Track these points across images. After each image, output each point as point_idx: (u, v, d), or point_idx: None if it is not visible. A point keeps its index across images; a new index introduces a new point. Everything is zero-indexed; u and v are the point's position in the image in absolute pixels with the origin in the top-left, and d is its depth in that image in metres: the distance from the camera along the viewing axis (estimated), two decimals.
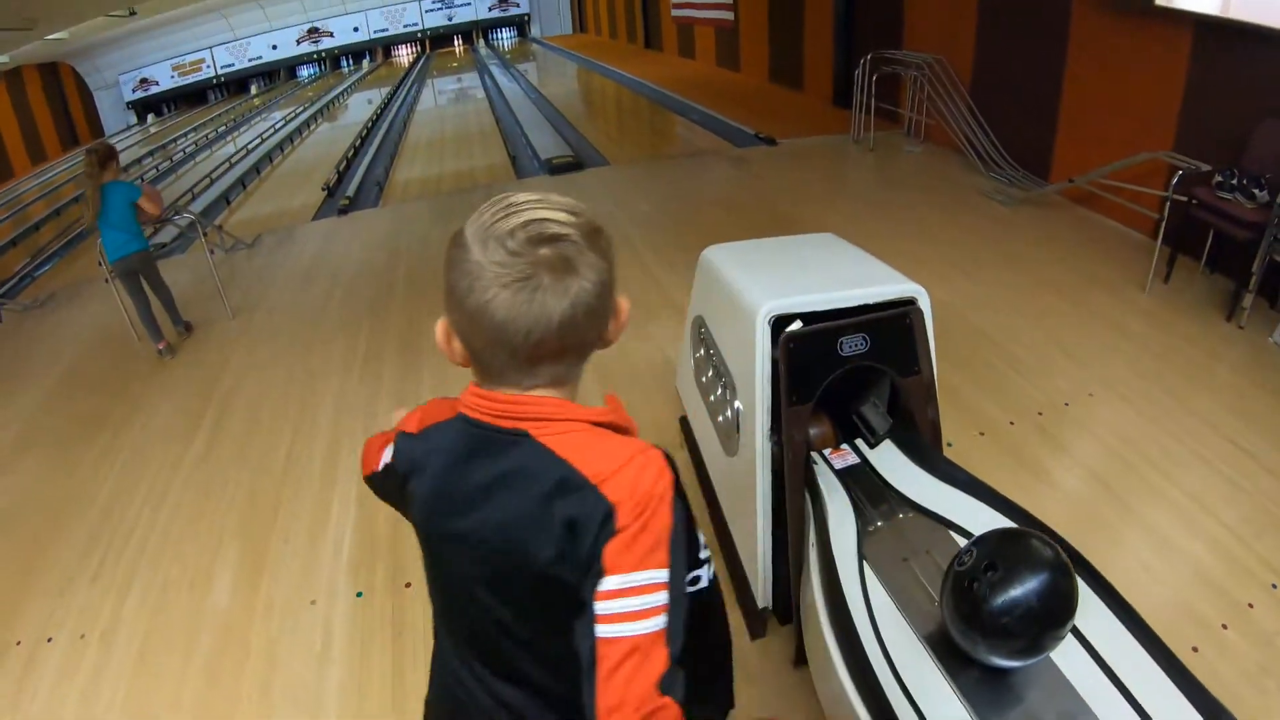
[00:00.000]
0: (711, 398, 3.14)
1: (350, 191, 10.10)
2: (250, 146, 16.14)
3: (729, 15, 15.18)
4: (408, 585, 3.41)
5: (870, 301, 2.53)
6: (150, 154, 19.54)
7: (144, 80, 30.18)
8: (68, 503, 4.47)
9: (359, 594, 3.41)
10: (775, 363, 2.46)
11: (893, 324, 2.50)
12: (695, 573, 1.19)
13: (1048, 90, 6.81)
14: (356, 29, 31.63)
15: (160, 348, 6.02)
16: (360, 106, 20.65)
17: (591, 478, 1.08)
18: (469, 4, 31.79)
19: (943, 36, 8.30)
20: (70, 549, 4.06)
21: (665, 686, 1.03)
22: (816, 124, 10.13)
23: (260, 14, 29.96)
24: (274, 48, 31.14)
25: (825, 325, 2.42)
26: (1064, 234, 6.06)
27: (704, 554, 1.24)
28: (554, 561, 1.08)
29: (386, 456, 1.37)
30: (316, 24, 31.21)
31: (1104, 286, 5.19)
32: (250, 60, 31.13)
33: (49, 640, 3.45)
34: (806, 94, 12.15)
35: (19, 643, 3.47)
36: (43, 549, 4.11)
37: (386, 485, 1.40)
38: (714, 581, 1.29)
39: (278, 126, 18.40)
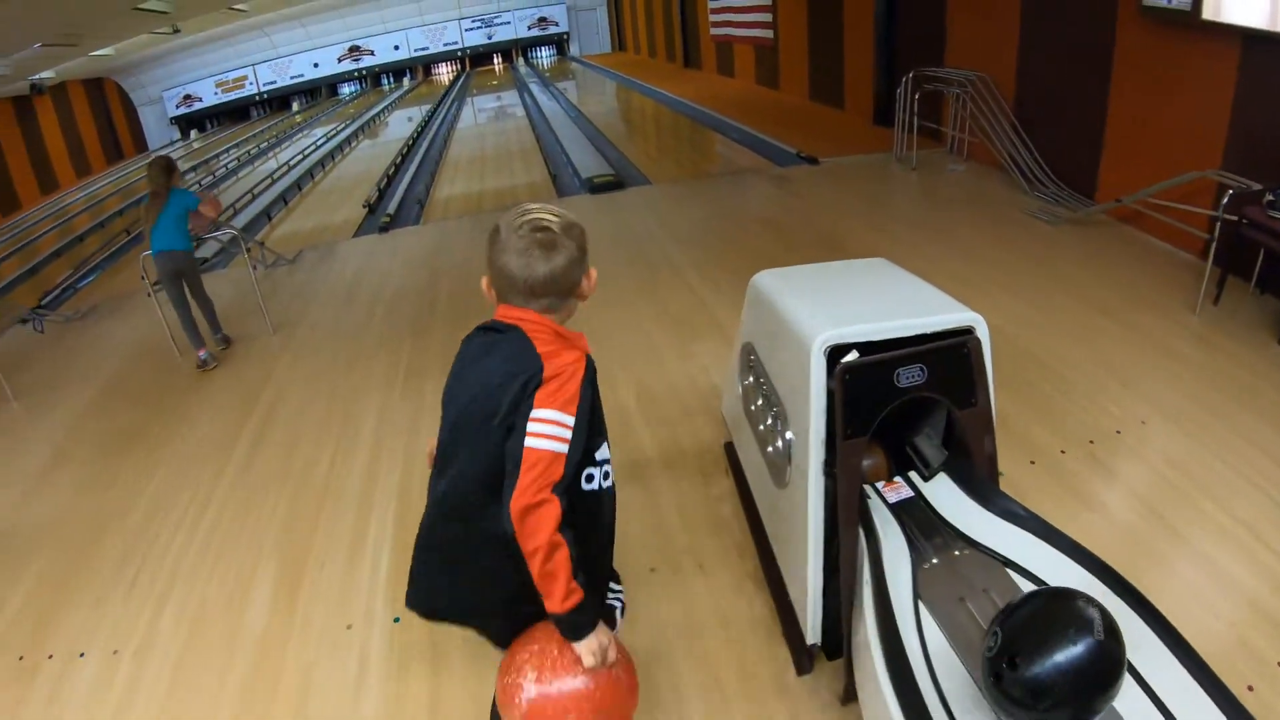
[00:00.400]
0: (761, 427, 3.06)
1: (391, 209, 10.12)
2: (292, 163, 16.29)
3: (769, 34, 15.12)
4: None
5: (927, 331, 2.44)
6: (193, 169, 19.76)
7: (187, 96, 30.65)
8: (105, 516, 4.45)
9: (396, 619, 3.33)
10: (830, 394, 2.37)
11: (951, 354, 2.41)
12: (589, 470, 1.91)
13: (1092, 107, 6.66)
14: (397, 47, 31.96)
15: (202, 355, 6.06)
16: (400, 124, 20.79)
17: (541, 355, 1.81)
18: (508, 23, 32.03)
19: (985, 53, 8.17)
20: (106, 562, 4.03)
21: (561, 532, 1.72)
22: (858, 143, 10.02)
23: (302, 32, 30.37)
24: (316, 65, 31.56)
25: (882, 356, 2.34)
26: (1111, 254, 5.91)
27: (602, 454, 1.96)
28: (509, 412, 1.78)
29: None
30: (358, 42, 31.59)
31: (1153, 308, 5.04)
32: (292, 77, 31.56)
33: (81, 655, 3.42)
34: (847, 112, 12.04)
35: (51, 656, 3.44)
36: (79, 562, 4.09)
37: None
38: (611, 489, 2.02)
39: (319, 143, 18.55)
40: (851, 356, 2.35)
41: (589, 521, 1.89)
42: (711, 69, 19.52)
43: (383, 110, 24.19)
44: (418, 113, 22.14)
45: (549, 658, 1.90)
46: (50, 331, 7.97)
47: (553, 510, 1.72)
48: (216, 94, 31.01)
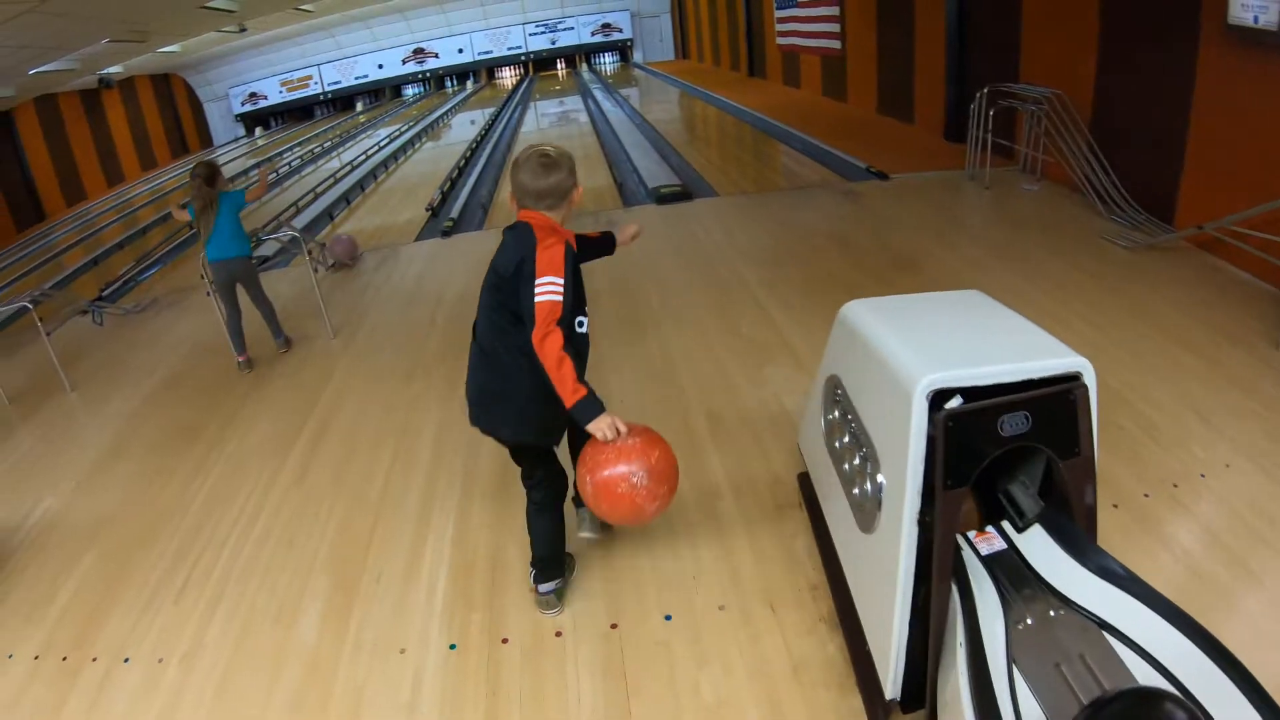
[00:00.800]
0: (846, 466, 2.88)
1: (454, 213, 10.02)
2: (355, 163, 16.34)
3: (836, 44, 14.84)
4: (504, 641, 3.16)
5: (1034, 376, 2.28)
6: (256, 166, 19.98)
7: (253, 94, 31.16)
8: (158, 516, 4.41)
9: (452, 646, 3.18)
10: (929, 440, 2.23)
11: (1057, 401, 2.28)
12: (579, 318, 2.88)
13: (1173, 128, 6.33)
14: (461, 50, 32.16)
15: (241, 360, 6.02)
16: (464, 126, 20.83)
17: (536, 240, 2.70)
18: (572, 29, 32.05)
19: (1061, 70, 7.87)
20: (156, 565, 3.98)
21: (565, 350, 2.64)
22: (929, 158, 9.73)
23: (368, 34, 30.69)
24: (380, 67, 31.90)
25: (988, 403, 2.21)
26: (1191, 283, 5.59)
27: (583, 315, 2.92)
28: (514, 275, 2.68)
29: None
30: (422, 44, 31.85)
31: (1237, 343, 4.73)
32: (357, 78, 31.93)
33: (125, 660, 3.37)
34: (917, 126, 11.74)
35: (95, 659, 3.40)
36: (129, 562, 4.05)
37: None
38: (586, 336, 2.96)
39: (382, 144, 18.63)
40: (955, 403, 2.22)
41: (576, 352, 2.78)
42: (777, 79, 19.28)
43: (446, 113, 24.27)
44: (481, 116, 22.17)
45: (588, 457, 2.87)
46: (109, 324, 8.02)
47: (557, 338, 2.66)
48: (281, 92, 31.46)
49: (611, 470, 2.77)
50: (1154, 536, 3.29)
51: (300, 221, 11.55)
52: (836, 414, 3.03)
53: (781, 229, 7.53)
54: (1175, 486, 3.56)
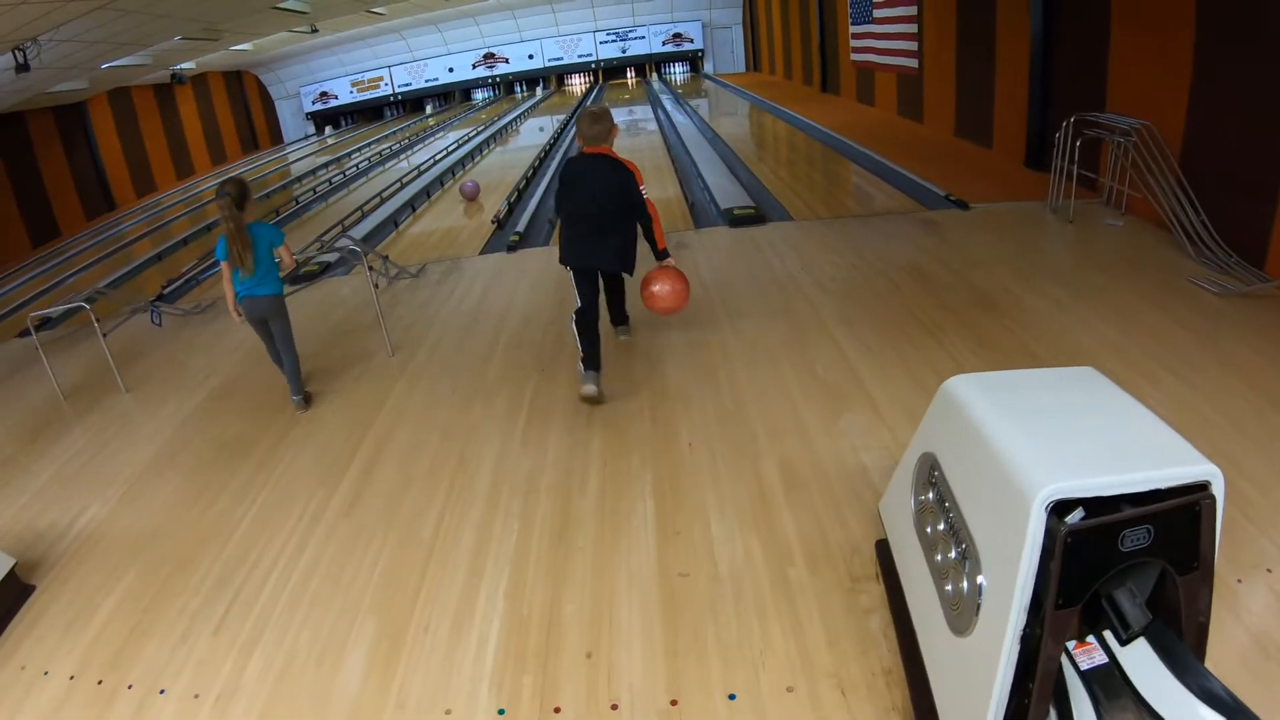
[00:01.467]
0: (939, 557, 2.62)
1: (521, 227, 9.84)
2: (423, 167, 16.31)
3: (913, 63, 14.44)
4: (557, 710, 2.93)
5: (1162, 486, 2.11)
6: (324, 166, 20.13)
7: (324, 93, 31.61)
8: (202, 537, 4.30)
9: (501, 711, 2.96)
10: (1043, 550, 2.07)
11: (1182, 514, 2.11)
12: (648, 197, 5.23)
13: (1269, 169, 5.95)
14: (531, 56, 32.21)
15: (296, 400, 5.63)
16: (532, 133, 20.80)
17: (624, 164, 5.09)
18: (643, 38, 31.92)
19: (1151, 99, 7.46)
20: (198, 590, 3.86)
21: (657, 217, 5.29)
22: (1009, 187, 9.33)
23: (439, 37, 30.93)
24: (450, 70, 32.14)
25: (1111, 519, 2.05)
26: None
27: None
28: (625, 188, 5.01)
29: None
30: (492, 49, 32.00)
31: None
32: (427, 81, 32.22)
33: (161, 692, 3.25)
34: (995, 152, 11.32)
35: (130, 686, 3.30)
36: (169, 585, 3.94)
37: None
38: None
39: (450, 149, 18.62)
40: (1077, 517, 2.06)
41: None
42: (850, 95, 18.89)
43: (515, 119, 24.27)
44: (549, 122, 22.12)
45: (654, 273, 5.20)
46: (169, 325, 8.02)
47: (655, 209, 5.17)
48: (352, 93, 31.86)
49: (663, 278, 5.22)
50: (1245, 628, 2.95)
51: (365, 226, 11.52)
52: (931, 497, 2.75)
53: (859, 259, 7.20)
54: (1269, 571, 3.22)
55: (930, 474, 2.77)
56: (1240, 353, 4.94)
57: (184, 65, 21.79)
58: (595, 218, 4.99)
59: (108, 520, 4.60)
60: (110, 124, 21.16)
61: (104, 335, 6.55)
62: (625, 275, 5.45)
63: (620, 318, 6.07)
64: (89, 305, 6.66)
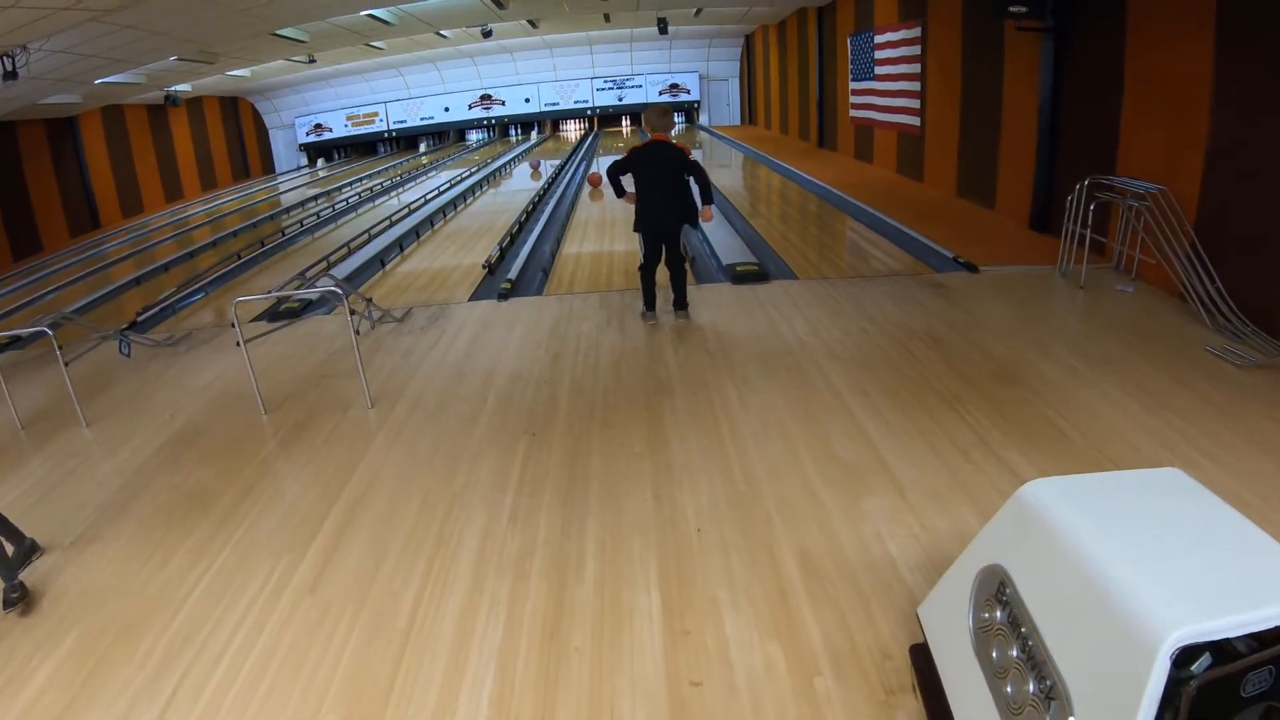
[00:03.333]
0: (1009, 689, 2.25)
1: (513, 274, 9.42)
2: (413, 205, 16.00)
3: (915, 121, 14.26)
4: None
5: None
6: (314, 199, 19.87)
7: (319, 125, 31.46)
8: (151, 603, 3.87)
9: None
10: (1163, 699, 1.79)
11: None
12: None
13: None
14: (528, 100, 32.14)
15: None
16: (525, 176, 20.52)
17: (680, 148, 7.13)
18: (640, 86, 31.89)
19: (1165, 163, 7.27)
20: (142, 665, 3.43)
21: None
22: (1016, 250, 9.10)
23: (436, 75, 30.86)
24: (446, 109, 32.04)
25: (1240, 665, 1.82)
26: None
27: None
28: (684, 164, 7.04)
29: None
30: (489, 91, 31.87)
31: None
32: (422, 119, 32.12)
33: None
34: (999, 213, 11.07)
35: None
36: (112, 654, 3.51)
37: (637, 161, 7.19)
38: None
39: (442, 188, 18.33)
40: (1203, 664, 1.80)
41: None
42: (848, 152, 18.72)
43: (509, 161, 24.06)
44: (545, 167, 21.89)
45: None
46: (138, 355, 7.66)
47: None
48: (347, 126, 31.70)
49: None
50: None
51: (352, 263, 11.13)
52: (1000, 617, 2.35)
53: (870, 324, 6.85)
54: None
55: (999, 591, 2.37)
56: (1268, 429, 4.69)
57: (180, 87, 21.54)
58: (661, 186, 6.98)
59: (53, 572, 4.21)
60: (101, 141, 20.87)
61: (66, 364, 6.17)
62: (687, 256, 7.88)
63: (681, 302, 7.45)
64: (51, 331, 6.26)
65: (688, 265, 7.84)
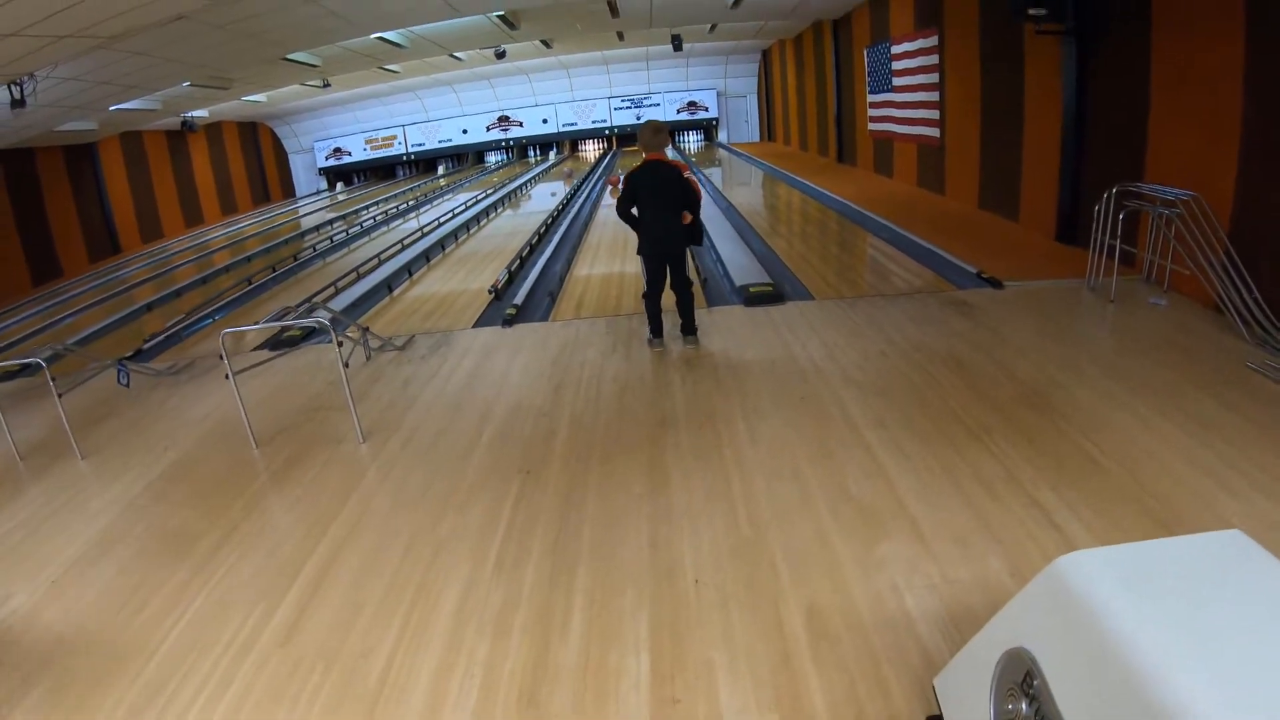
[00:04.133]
0: None
1: (519, 298, 9.16)
2: (426, 229, 15.88)
3: (935, 133, 13.92)
4: None
5: None
6: (331, 222, 19.88)
7: (338, 149, 31.60)
8: (123, 651, 3.70)
9: None
10: None
11: None
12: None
13: None
14: (545, 121, 32.05)
15: None
16: (544, 197, 20.38)
17: (675, 166, 6.81)
18: (658, 105, 31.71)
19: (1196, 168, 6.95)
20: (110, 717, 3.25)
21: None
22: (1041, 264, 8.75)
23: (453, 98, 30.87)
24: (464, 132, 32.05)
25: None
26: None
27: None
28: (679, 180, 6.70)
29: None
30: (507, 112, 31.83)
31: None
32: (440, 141, 32.12)
33: None
34: (1023, 225, 10.72)
35: None
36: (83, 705, 3.34)
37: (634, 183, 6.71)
38: None
39: (457, 210, 18.23)
40: None
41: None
42: (868, 166, 18.41)
43: (526, 182, 23.95)
44: (561, 188, 21.73)
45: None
46: (137, 385, 7.56)
47: (699, 187, 7.01)
48: (365, 150, 31.79)
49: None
50: None
51: (360, 288, 10.94)
52: (1025, 710, 2.02)
53: (889, 346, 6.50)
54: None
55: (1025, 681, 2.04)
56: None
57: (197, 113, 21.61)
58: (662, 207, 6.62)
59: (32, 613, 4.09)
60: (120, 167, 21.00)
61: (60, 395, 6.07)
62: (694, 281, 7.44)
63: (689, 327, 7.08)
64: (46, 364, 6.17)
65: (697, 288, 7.59)
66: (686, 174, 6.75)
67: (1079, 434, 4.78)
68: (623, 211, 6.76)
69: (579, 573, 3.86)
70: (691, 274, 7.13)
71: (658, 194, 6.62)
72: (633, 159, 28.66)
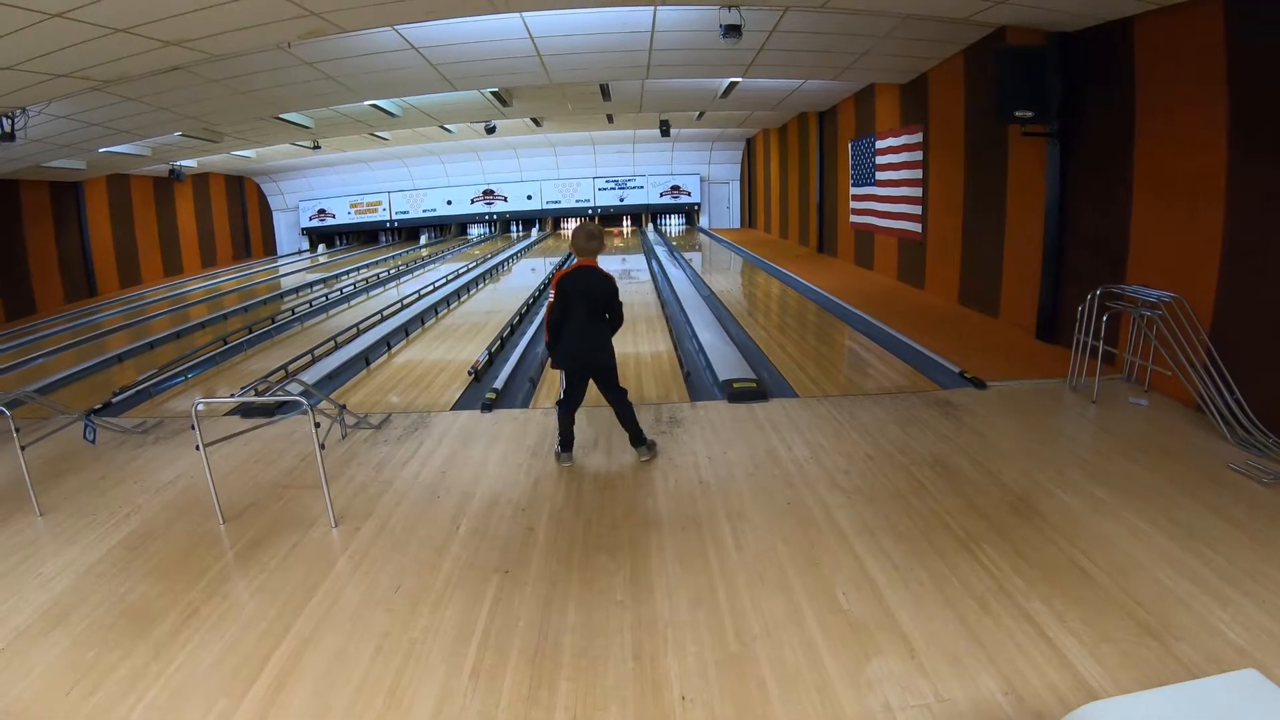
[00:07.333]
0: None
1: (499, 383, 9.01)
2: (406, 301, 15.78)
3: (917, 228, 14.11)
4: None
5: None
6: (311, 285, 19.81)
7: (322, 210, 31.75)
8: None
9: None
10: None
11: None
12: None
13: None
14: (530, 197, 32.36)
15: None
16: (525, 273, 20.44)
17: (607, 276, 6.20)
18: (642, 187, 32.12)
19: (1178, 270, 7.12)
20: None
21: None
22: (1023, 362, 8.84)
23: (440, 168, 31.16)
24: (449, 202, 32.32)
25: None
26: None
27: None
28: (612, 295, 6.18)
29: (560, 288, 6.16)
30: (492, 186, 32.09)
31: None
32: (424, 211, 32.36)
33: None
34: (1002, 321, 10.85)
35: None
36: None
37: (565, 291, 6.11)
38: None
39: (439, 283, 18.21)
40: None
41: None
42: (848, 258, 18.60)
43: (509, 258, 24.05)
44: (543, 264, 21.81)
45: None
46: (104, 441, 7.38)
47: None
48: (350, 213, 31.93)
49: None
50: None
51: (337, 358, 10.77)
52: None
53: (875, 449, 6.43)
54: None
55: None
56: None
57: (186, 163, 21.65)
58: (590, 316, 6.15)
59: None
60: (105, 209, 20.96)
61: (23, 448, 5.82)
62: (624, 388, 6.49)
63: (638, 438, 6.48)
64: (9, 411, 5.89)
65: (679, 380, 8.08)
66: (616, 285, 6.16)
67: (1066, 541, 4.77)
68: (554, 324, 6.20)
69: (560, 686, 3.68)
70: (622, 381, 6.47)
71: (586, 301, 6.03)
72: (612, 240, 29.04)
